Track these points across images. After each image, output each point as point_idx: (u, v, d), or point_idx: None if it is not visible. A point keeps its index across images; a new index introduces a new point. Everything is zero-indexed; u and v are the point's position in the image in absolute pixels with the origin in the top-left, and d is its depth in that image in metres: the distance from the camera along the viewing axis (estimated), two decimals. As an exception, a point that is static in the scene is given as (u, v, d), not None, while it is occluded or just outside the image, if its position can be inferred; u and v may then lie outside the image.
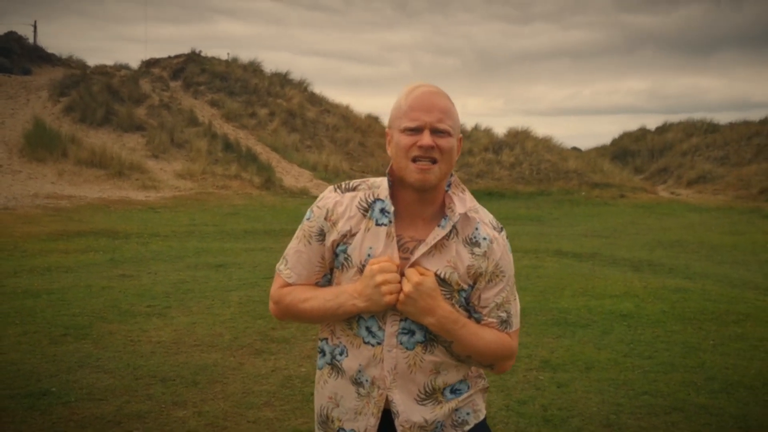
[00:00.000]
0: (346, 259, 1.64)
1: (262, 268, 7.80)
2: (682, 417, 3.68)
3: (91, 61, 29.05)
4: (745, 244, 11.40)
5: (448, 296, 1.63)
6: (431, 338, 1.64)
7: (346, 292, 1.62)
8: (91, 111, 20.96)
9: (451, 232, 1.64)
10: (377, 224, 1.63)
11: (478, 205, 1.70)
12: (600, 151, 32.63)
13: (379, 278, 1.57)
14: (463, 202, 1.66)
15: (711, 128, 31.53)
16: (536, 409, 3.79)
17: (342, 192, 1.68)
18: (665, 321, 5.73)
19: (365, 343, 1.64)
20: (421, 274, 1.59)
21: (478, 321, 1.68)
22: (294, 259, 1.69)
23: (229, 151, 20.54)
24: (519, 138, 26.88)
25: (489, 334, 1.66)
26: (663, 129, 33.30)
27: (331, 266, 1.69)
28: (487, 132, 27.49)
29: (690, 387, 4.15)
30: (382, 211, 1.63)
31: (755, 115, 30.35)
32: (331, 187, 1.71)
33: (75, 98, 21.38)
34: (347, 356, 1.67)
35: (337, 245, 1.65)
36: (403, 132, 1.61)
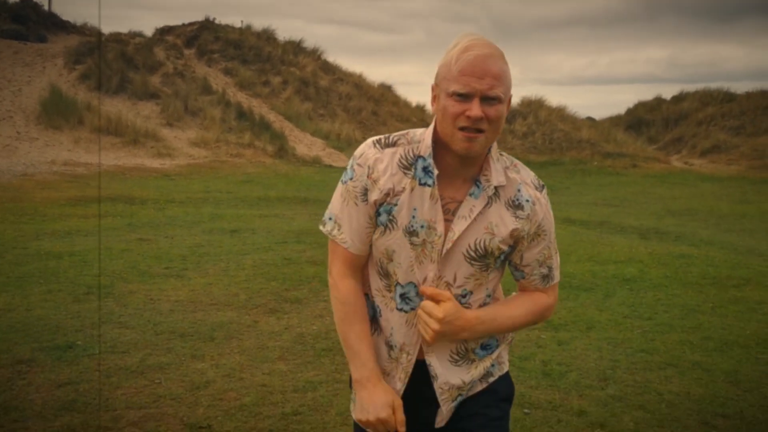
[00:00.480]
0: (390, 220, 1.60)
1: (276, 234, 8.00)
2: (676, 372, 3.86)
3: (106, 29, 29.10)
4: (753, 213, 11.47)
5: (483, 269, 1.61)
6: (465, 306, 1.62)
7: (364, 379, 1.61)
8: (106, 78, 21.12)
9: (491, 199, 1.60)
10: (420, 184, 1.57)
11: (519, 164, 1.66)
12: (614, 120, 32.39)
13: (379, 429, 1.59)
14: (498, 171, 1.61)
15: (728, 98, 31.16)
16: (536, 365, 3.97)
17: (382, 147, 1.61)
18: (667, 285, 5.88)
19: (398, 309, 1.64)
20: (437, 299, 1.58)
21: (518, 279, 1.70)
22: (347, 224, 1.63)
23: (242, 119, 20.66)
24: (533, 107, 26.81)
25: (522, 307, 1.67)
26: (679, 98, 32.92)
27: (374, 227, 1.64)
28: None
29: (686, 345, 4.32)
30: (425, 170, 1.57)
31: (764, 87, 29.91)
32: (369, 142, 1.64)
33: (90, 66, 21.52)
34: (381, 317, 1.68)
35: (380, 205, 1.60)
36: (451, 96, 1.52)
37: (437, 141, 1.59)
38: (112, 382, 3.58)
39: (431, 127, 1.60)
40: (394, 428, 1.59)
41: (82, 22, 29.23)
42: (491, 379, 1.72)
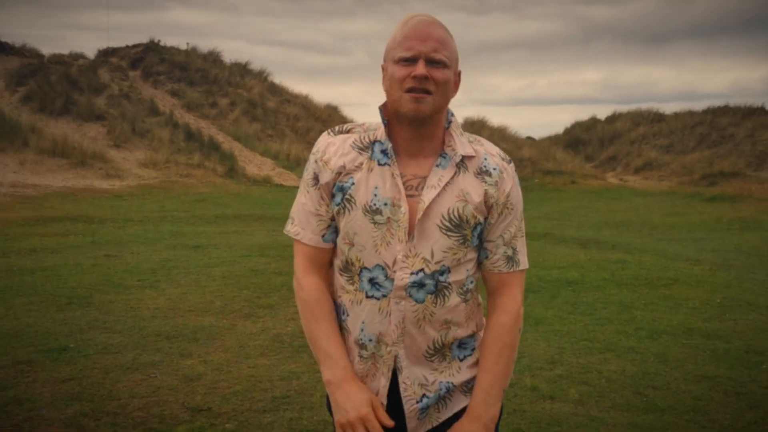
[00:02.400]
0: (348, 200, 1.57)
1: (238, 248, 8.33)
2: (613, 355, 4.41)
3: (45, 50, 28.73)
4: (682, 224, 12.36)
5: (461, 241, 1.56)
6: (444, 287, 1.57)
7: (338, 379, 1.57)
8: (51, 100, 20.96)
9: (459, 168, 1.58)
10: (380, 164, 1.57)
11: (482, 139, 1.66)
12: (553, 140, 33.66)
13: (359, 429, 1.53)
14: (463, 143, 1.61)
15: (657, 118, 32.83)
16: (493, 353, 4.47)
17: (335, 134, 1.63)
18: (605, 286, 6.49)
19: (368, 297, 1.57)
20: None
21: (482, 261, 1.63)
22: (300, 214, 1.64)
23: (191, 140, 20.81)
24: (475, 128, 27.75)
25: (499, 352, 1.60)
26: (612, 118, 34.47)
27: (331, 214, 1.61)
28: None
29: (621, 334, 4.89)
30: (383, 152, 1.57)
31: (699, 105, 31.59)
32: (324, 132, 1.67)
33: (33, 88, 21.34)
34: (348, 316, 1.61)
35: (333, 186, 1.59)
36: (397, 63, 1.54)
37: (390, 119, 1.59)
38: (111, 377, 3.90)
39: (381, 106, 1.62)
40: (377, 425, 1.52)
41: (21, 43, 28.80)
42: None
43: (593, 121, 34.78)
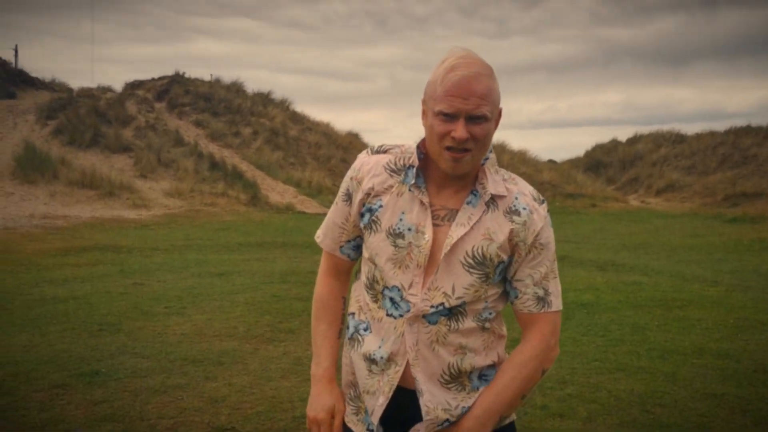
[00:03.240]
0: (373, 221, 1.61)
1: (261, 275, 8.56)
2: (624, 375, 4.53)
3: (73, 83, 29.63)
4: (701, 246, 12.38)
5: (482, 278, 1.57)
6: (458, 311, 1.58)
7: (318, 376, 1.74)
8: (80, 133, 21.57)
9: (489, 206, 1.59)
10: (410, 190, 1.59)
11: (517, 178, 1.66)
12: (574, 162, 33.73)
13: (314, 429, 1.70)
14: (496, 182, 1.61)
15: (679, 139, 32.80)
16: (506, 374, 4.61)
17: (371, 154, 1.67)
18: (620, 308, 6.59)
19: (387, 315, 1.61)
20: None
21: (512, 300, 1.64)
22: (327, 222, 1.74)
23: (215, 169, 21.26)
24: (496, 151, 27.53)
25: (512, 377, 1.59)
26: (633, 140, 34.49)
27: (357, 232, 1.69)
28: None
29: (633, 355, 5.01)
30: (415, 179, 1.60)
31: (722, 126, 31.51)
32: (364, 151, 1.71)
33: (63, 121, 22.00)
34: (370, 332, 1.65)
35: (363, 204, 1.63)
36: (437, 116, 1.52)
37: (427, 155, 1.61)
38: (141, 399, 4.11)
39: (419, 143, 1.64)
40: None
41: (50, 78, 29.67)
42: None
43: (614, 144, 34.80)
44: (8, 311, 6.33)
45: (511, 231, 1.57)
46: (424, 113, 1.59)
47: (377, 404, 1.62)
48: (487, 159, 1.61)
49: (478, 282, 1.56)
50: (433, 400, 1.58)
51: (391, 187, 1.60)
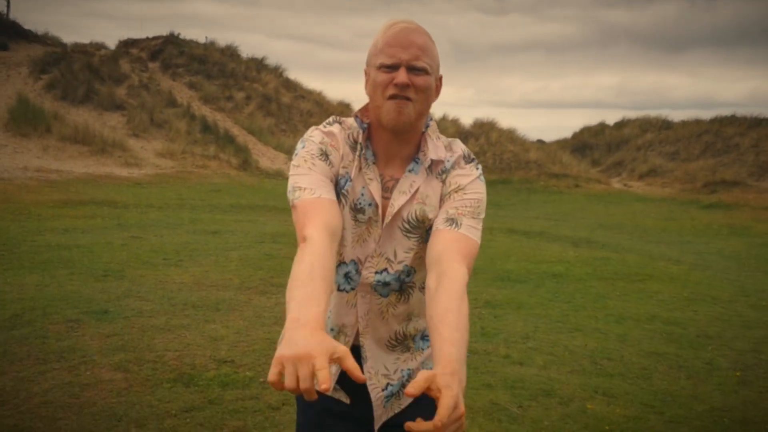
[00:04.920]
0: (343, 195, 1.60)
1: (253, 235, 9.01)
2: (580, 334, 5.06)
3: (66, 38, 29.55)
4: (673, 228, 12.96)
5: (419, 240, 1.60)
6: (408, 286, 1.63)
7: (291, 320, 1.26)
8: (73, 89, 21.71)
9: (428, 170, 1.62)
10: (366, 166, 1.61)
11: (456, 141, 1.68)
12: (561, 143, 34.20)
13: (289, 368, 1.13)
14: (437, 147, 1.63)
15: (665, 125, 33.30)
16: (475, 329, 5.12)
17: (328, 125, 1.64)
18: (586, 279, 7.13)
19: (339, 290, 1.63)
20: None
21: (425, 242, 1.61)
22: (309, 181, 1.53)
23: (207, 132, 21.52)
24: (484, 129, 28.32)
25: (457, 322, 1.35)
26: (621, 124, 34.97)
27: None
28: (455, 122, 28.91)
29: (591, 318, 5.54)
30: (366, 154, 1.62)
31: (716, 114, 32.05)
32: (313, 127, 1.66)
33: (56, 76, 22.11)
34: None
35: (338, 174, 1.60)
36: (379, 69, 1.56)
37: (372, 122, 1.61)
38: (148, 335, 4.58)
39: (359, 112, 1.63)
40: (327, 375, 1.09)
41: (44, 31, 29.56)
42: None
43: (601, 127, 35.29)
44: (17, 255, 6.75)
45: (442, 193, 1.60)
46: (367, 80, 1.62)
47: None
48: (428, 126, 1.64)
49: (417, 244, 1.60)
50: (375, 366, 1.63)
51: (352, 161, 1.61)
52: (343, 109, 27.08)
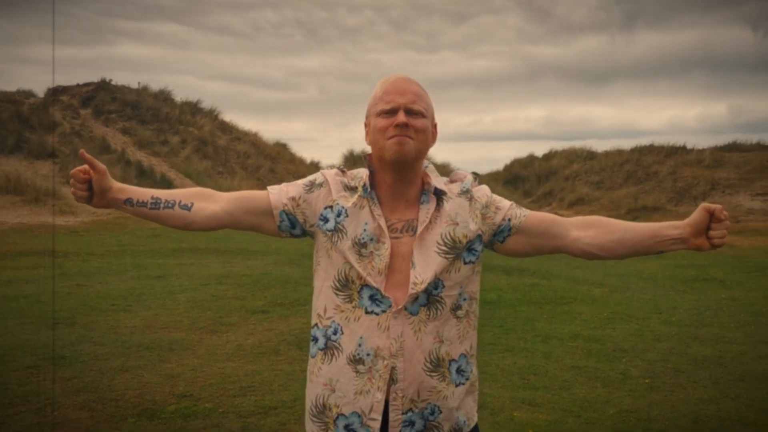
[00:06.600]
0: (339, 230, 1.70)
1: (197, 278, 9.24)
2: (510, 354, 5.54)
3: (-7, 86, 29.02)
4: (598, 254, 13.78)
5: (454, 257, 1.70)
6: (436, 300, 1.68)
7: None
8: (2, 138, 21.43)
9: (440, 201, 1.74)
10: (368, 204, 1.71)
11: (451, 174, 1.86)
12: (494, 176, 35.38)
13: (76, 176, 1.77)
14: (438, 181, 1.77)
15: (590, 156, 34.89)
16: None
17: (332, 172, 1.81)
18: (517, 304, 7.67)
19: (368, 313, 1.66)
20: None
21: (504, 239, 1.79)
22: (280, 187, 1.81)
23: (143, 177, 21.50)
24: (417, 164, 29.01)
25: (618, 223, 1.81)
26: (549, 156, 36.45)
27: (302, 217, 1.75)
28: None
29: (521, 339, 6.05)
30: (368, 194, 1.72)
31: (638, 142, 33.71)
32: (327, 169, 1.83)
33: (-16, 126, 21.79)
34: (343, 334, 1.68)
35: (325, 207, 1.74)
36: (379, 116, 1.70)
37: (375, 169, 1.74)
38: (107, 376, 4.82)
39: (366, 158, 1.78)
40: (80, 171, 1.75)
41: (-32, 80, 29.00)
42: None
43: (531, 159, 36.71)
44: (-36, 308, 6.83)
45: (470, 208, 1.75)
46: (367, 132, 1.77)
47: (375, 401, 1.65)
48: (426, 167, 1.78)
49: (452, 263, 1.70)
50: (404, 389, 1.65)
51: (349, 200, 1.73)
52: (279, 150, 27.44)
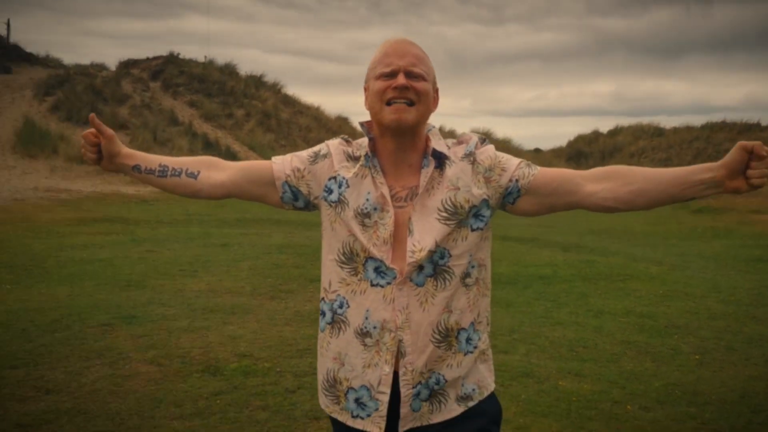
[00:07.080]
0: (341, 201, 1.67)
1: (260, 247, 9.58)
2: (561, 327, 5.62)
3: (66, 59, 30.17)
4: (659, 232, 13.55)
5: (456, 225, 1.63)
6: (443, 270, 1.63)
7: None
8: (77, 110, 22.35)
9: (443, 165, 1.67)
10: (370, 174, 1.67)
11: (459, 136, 1.76)
12: (557, 152, 34.89)
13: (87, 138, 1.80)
14: (439, 144, 1.69)
15: (657, 132, 33.98)
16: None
17: (338, 142, 1.77)
18: (571, 280, 7.69)
19: (373, 285, 1.63)
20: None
21: (515, 200, 1.69)
22: (284, 157, 1.79)
23: (209, 149, 22.12)
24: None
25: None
26: (614, 132, 35.67)
27: (305, 189, 1.72)
28: (451, 133, 29.55)
29: (573, 314, 6.10)
30: (370, 163, 1.68)
31: (714, 118, 32.66)
32: (333, 139, 1.80)
33: (60, 98, 22.76)
34: (349, 307, 1.66)
35: (329, 178, 1.70)
36: (378, 78, 1.63)
37: (375, 136, 1.69)
38: (174, 335, 5.14)
39: (364, 124, 1.73)
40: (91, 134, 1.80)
41: (44, 53, 30.25)
42: (471, 403, 1.68)
43: (596, 135, 35.98)
44: (45, 269, 7.32)
45: (474, 171, 1.67)
46: (366, 97, 1.70)
47: (383, 374, 1.63)
48: (430, 130, 1.71)
49: (455, 230, 1.64)
50: (413, 362, 1.63)
51: (352, 170, 1.69)
52: (341, 124, 27.74)
